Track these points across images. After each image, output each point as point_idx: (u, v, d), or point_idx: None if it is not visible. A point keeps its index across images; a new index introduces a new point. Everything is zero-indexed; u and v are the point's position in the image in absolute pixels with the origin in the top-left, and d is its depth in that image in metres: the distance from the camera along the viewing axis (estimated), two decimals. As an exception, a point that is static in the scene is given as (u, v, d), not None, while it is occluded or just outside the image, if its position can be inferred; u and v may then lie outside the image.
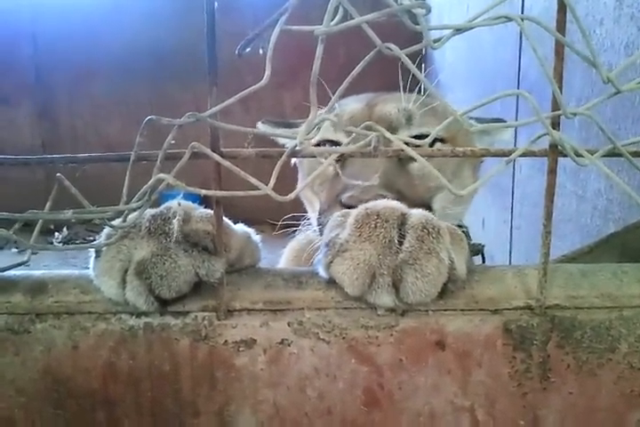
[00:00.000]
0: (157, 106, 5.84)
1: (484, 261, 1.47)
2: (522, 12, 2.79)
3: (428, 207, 1.28)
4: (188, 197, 0.85)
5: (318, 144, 1.48)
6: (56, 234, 5.65)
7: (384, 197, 1.12)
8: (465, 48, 4.06)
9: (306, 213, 1.57)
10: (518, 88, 2.93)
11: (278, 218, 1.51)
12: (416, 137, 1.38)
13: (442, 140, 1.44)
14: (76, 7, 5.89)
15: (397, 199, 1.12)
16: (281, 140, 1.89)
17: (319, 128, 1.52)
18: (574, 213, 2.24)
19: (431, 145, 1.41)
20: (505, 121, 1.69)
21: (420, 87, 1.49)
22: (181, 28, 5.71)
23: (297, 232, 1.56)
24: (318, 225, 1.27)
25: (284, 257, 1.74)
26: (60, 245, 5.34)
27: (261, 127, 1.87)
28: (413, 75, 1.40)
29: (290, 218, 1.46)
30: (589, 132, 2.10)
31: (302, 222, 1.47)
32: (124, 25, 5.86)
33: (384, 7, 0.63)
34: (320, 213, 1.28)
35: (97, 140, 6.06)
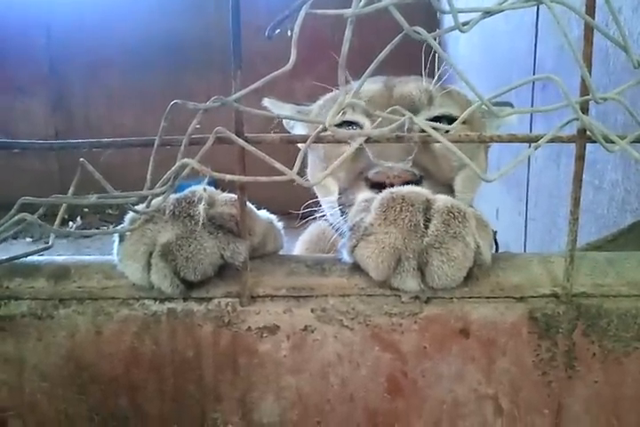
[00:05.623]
0: (171, 96, 5.77)
1: (497, 248, 1.45)
2: None
3: (450, 188, 1.26)
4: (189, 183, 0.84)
5: (337, 126, 1.46)
6: (70, 223, 5.64)
7: (412, 173, 1.08)
8: (480, 37, 4.01)
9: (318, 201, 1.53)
10: (534, 78, 2.90)
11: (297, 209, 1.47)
12: (437, 117, 1.38)
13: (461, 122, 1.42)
14: (90, -3, 5.89)
15: (422, 177, 1.10)
16: (287, 124, 1.85)
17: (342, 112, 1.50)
18: (590, 204, 2.22)
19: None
20: (512, 105, 1.67)
21: (433, 73, 1.47)
22: (195, 19, 5.69)
23: (309, 222, 1.53)
24: (339, 206, 1.24)
25: (296, 249, 1.73)
26: (76, 234, 5.34)
27: (267, 102, 1.85)
28: (428, 61, 1.39)
29: (307, 207, 1.43)
30: (607, 120, 2.07)
31: (317, 210, 1.44)
32: (138, 15, 5.85)
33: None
34: (340, 193, 1.25)
35: (110, 129, 6.04)
